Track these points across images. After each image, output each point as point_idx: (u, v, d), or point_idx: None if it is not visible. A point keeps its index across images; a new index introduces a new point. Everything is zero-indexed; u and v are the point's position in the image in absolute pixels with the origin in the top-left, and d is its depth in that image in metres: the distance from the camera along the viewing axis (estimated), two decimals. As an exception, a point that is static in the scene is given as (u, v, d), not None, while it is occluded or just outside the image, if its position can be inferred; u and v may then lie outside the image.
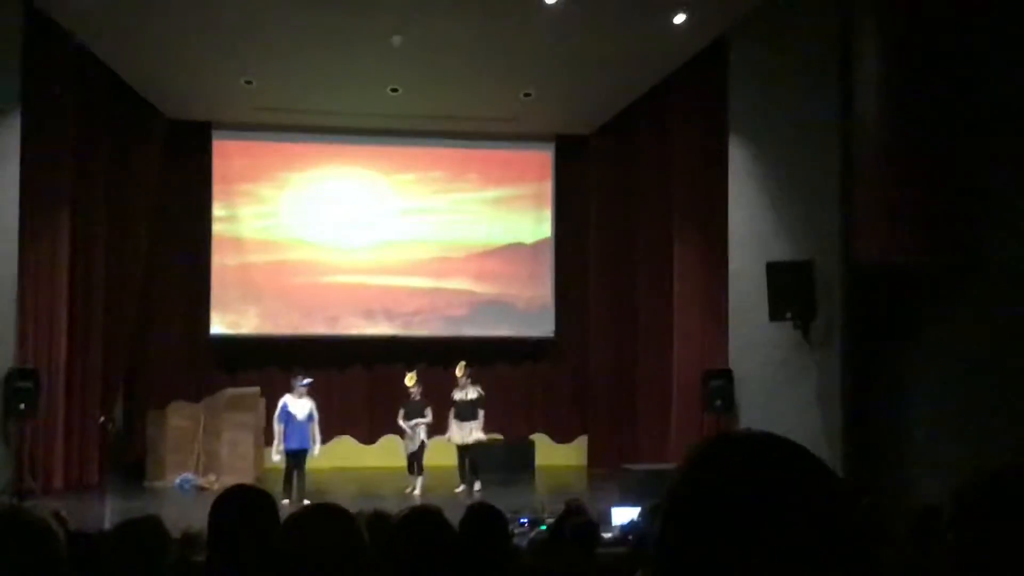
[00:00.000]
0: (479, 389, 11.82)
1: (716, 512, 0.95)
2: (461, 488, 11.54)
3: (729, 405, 10.56)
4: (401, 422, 11.71)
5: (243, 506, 2.63)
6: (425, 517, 2.70)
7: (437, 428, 12.17)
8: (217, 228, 14.29)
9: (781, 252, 9.73)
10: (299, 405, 11.05)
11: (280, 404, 11.12)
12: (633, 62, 11.51)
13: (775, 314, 9.57)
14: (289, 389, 11.29)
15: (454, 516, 3.08)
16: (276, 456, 11.12)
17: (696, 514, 0.97)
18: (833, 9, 9.12)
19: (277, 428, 11.04)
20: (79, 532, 4.85)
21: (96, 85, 11.81)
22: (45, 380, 10.66)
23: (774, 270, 9.59)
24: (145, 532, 3.35)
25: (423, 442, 11.61)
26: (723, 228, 10.85)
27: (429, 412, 11.64)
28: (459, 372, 11.91)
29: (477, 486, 11.45)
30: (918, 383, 8.86)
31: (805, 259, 9.40)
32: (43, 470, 10.91)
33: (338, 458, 13.71)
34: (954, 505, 1.69)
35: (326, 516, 2.04)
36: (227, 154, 14.33)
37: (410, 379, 11.88)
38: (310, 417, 11.08)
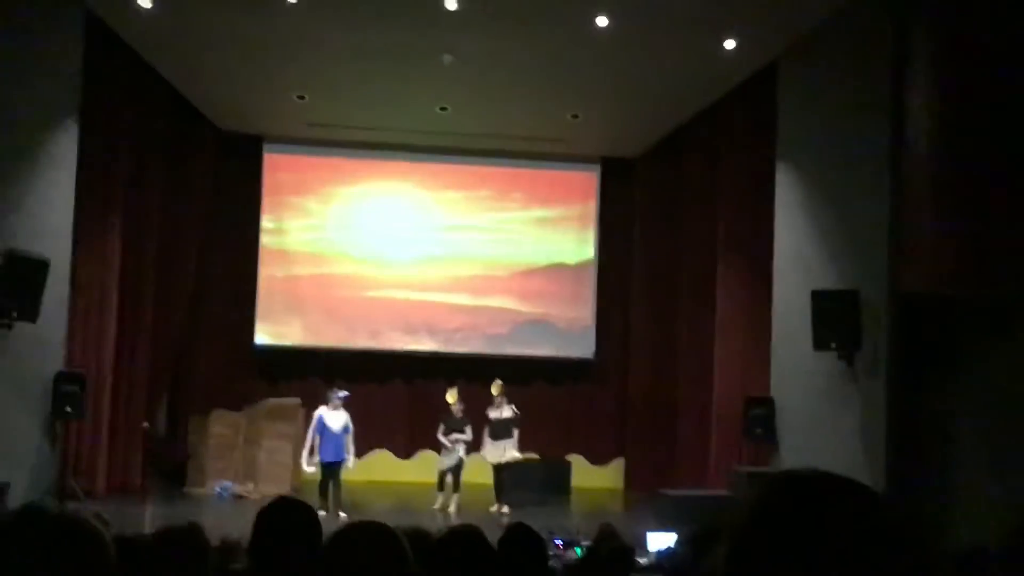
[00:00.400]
0: (514, 408, 11.81)
1: (784, 551, 0.95)
2: (496, 507, 11.52)
3: (770, 433, 10.46)
4: (441, 436, 11.73)
5: (288, 518, 2.66)
6: (467, 537, 2.70)
7: (474, 446, 12.19)
8: (265, 240, 14.48)
9: (827, 280, 9.64)
10: (334, 417, 11.12)
11: (316, 416, 11.20)
12: (681, 87, 11.51)
13: (819, 343, 9.47)
14: (326, 401, 11.37)
15: (488, 535, 3.09)
16: (309, 468, 11.16)
17: (764, 551, 0.97)
18: (885, 36, 9.05)
19: (310, 438, 11.09)
20: (120, 536, 4.92)
21: (152, 96, 12.05)
22: (92, 384, 10.83)
23: (819, 298, 9.50)
24: (185, 539, 3.40)
25: (461, 459, 11.61)
26: (768, 254, 10.77)
27: (468, 429, 11.67)
28: (495, 390, 11.92)
29: (505, 508, 11.40)
30: (964, 416, 8.71)
31: (851, 288, 9.30)
32: (87, 473, 11.07)
33: (375, 471, 13.78)
34: (1005, 547, 1.66)
35: (373, 533, 2.06)
36: (277, 167, 14.53)
37: (451, 396, 11.89)
38: (345, 429, 11.15)
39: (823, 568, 0.94)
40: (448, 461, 11.63)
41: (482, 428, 11.87)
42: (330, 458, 10.99)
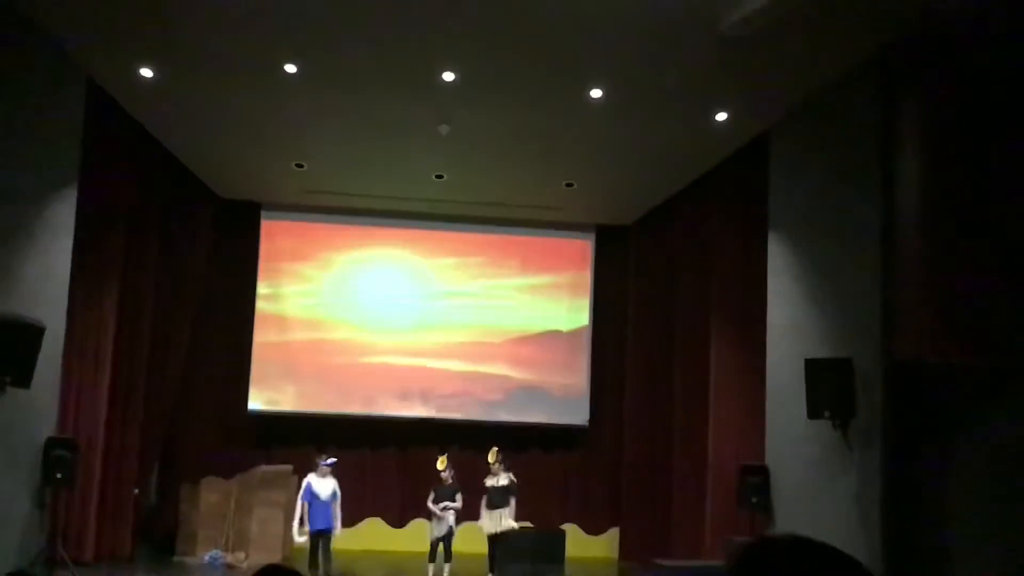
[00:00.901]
0: (511, 476, 11.72)
1: None
2: (489, 577, 11.39)
3: (765, 502, 10.38)
4: (431, 505, 11.62)
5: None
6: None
7: (468, 514, 12.07)
8: (261, 305, 14.51)
9: (820, 349, 9.67)
10: (323, 484, 11.02)
11: (304, 484, 11.07)
12: (674, 157, 11.68)
13: (813, 412, 9.47)
14: (314, 468, 11.26)
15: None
16: (300, 538, 11.00)
17: None
18: (874, 107, 9.22)
19: (299, 506, 10.96)
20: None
21: (151, 162, 12.18)
22: (83, 450, 10.75)
23: (813, 367, 9.51)
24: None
25: (451, 527, 11.49)
26: (762, 322, 10.81)
27: (459, 497, 11.55)
28: (491, 458, 11.84)
29: None
30: (960, 484, 8.68)
31: (844, 356, 9.32)
32: (75, 540, 10.93)
33: (367, 540, 13.63)
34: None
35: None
36: (274, 233, 14.63)
37: (441, 463, 11.82)
38: (333, 496, 11.03)
39: None
40: (438, 530, 11.50)
41: (478, 495, 11.77)
42: (319, 526, 10.86)
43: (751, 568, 1.02)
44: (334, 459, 11.34)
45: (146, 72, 9.83)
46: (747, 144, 11.14)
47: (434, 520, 11.57)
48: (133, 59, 9.70)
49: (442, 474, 11.67)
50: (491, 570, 11.48)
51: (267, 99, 10.36)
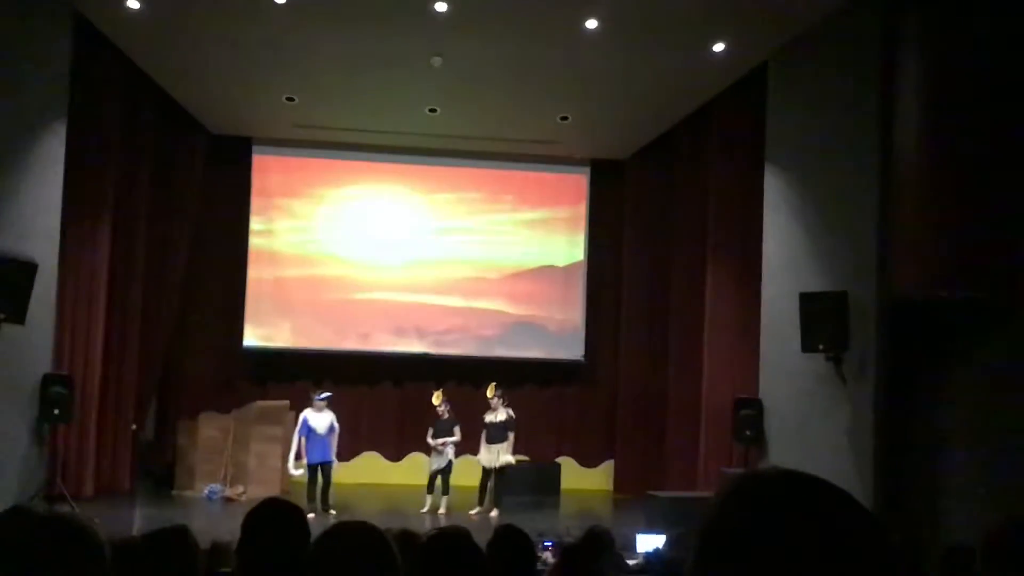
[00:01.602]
0: (509, 411, 11.81)
1: (748, 551, 0.96)
2: (476, 510, 11.50)
3: (758, 435, 10.48)
4: (429, 440, 11.74)
5: (275, 519, 2.66)
6: (454, 538, 2.71)
7: (466, 448, 12.20)
8: (254, 242, 14.45)
9: (815, 282, 9.68)
10: (319, 419, 11.18)
11: (301, 419, 11.25)
12: (671, 89, 11.55)
13: (807, 345, 9.50)
14: (310, 404, 11.39)
15: (477, 537, 3.09)
16: (296, 471, 11.16)
17: (728, 552, 0.98)
18: (874, 38, 9.10)
19: (296, 442, 11.12)
20: (110, 539, 4.90)
21: (141, 98, 12.03)
22: (80, 386, 10.80)
23: (807, 300, 9.53)
24: (174, 542, 3.39)
25: (450, 461, 11.63)
26: (757, 256, 10.80)
27: (457, 431, 11.67)
28: (490, 393, 11.92)
29: (494, 512, 11.38)
30: (952, 419, 8.75)
31: (839, 290, 9.33)
32: (74, 475, 11.03)
33: (364, 474, 13.76)
34: (986, 546, 1.68)
35: (359, 533, 2.06)
36: (266, 169, 14.51)
37: (437, 398, 11.92)
38: (331, 430, 11.22)
39: (785, 564, 0.95)
40: (437, 463, 11.64)
41: (476, 430, 11.88)
42: (317, 459, 11.06)
43: (736, 500, 1.00)
44: (328, 393, 11.53)
45: (132, 3, 9.64)
46: (745, 76, 11.01)
47: (433, 453, 11.71)
48: (119, -10, 9.52)
49: (438, 408, 11.77)
50: (480, 503, 11.60)
51: (256, 31, 10.18)
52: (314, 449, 11.07)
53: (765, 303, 10.61)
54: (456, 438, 11.64)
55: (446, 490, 11.60)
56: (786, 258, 10.30)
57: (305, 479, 11.12)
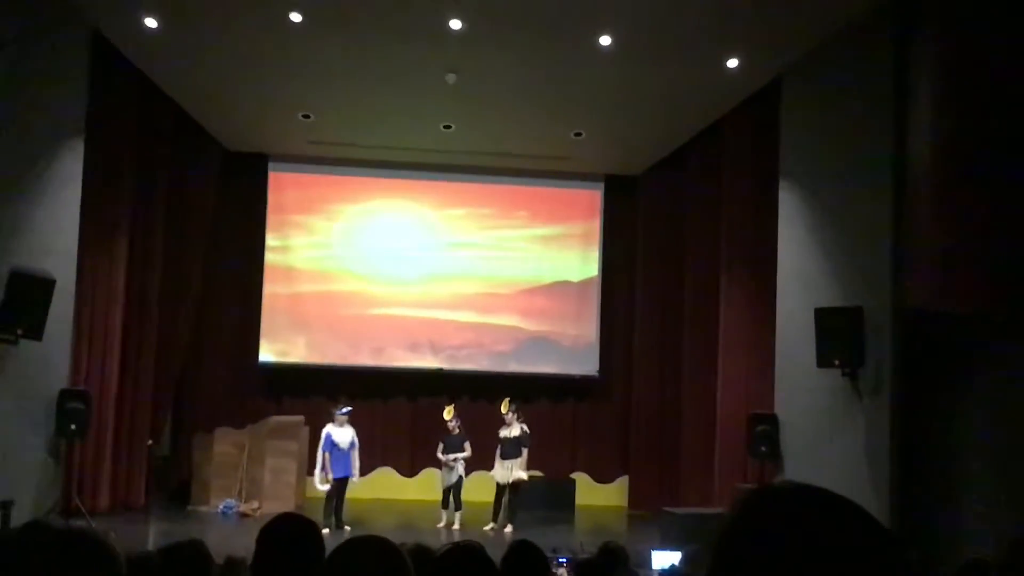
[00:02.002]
0: (524, 427, 11.80)
1: (762, 565, 0.96)
2: (491, 526, 11.49)
3: (774, 451, 10.43)
4: (440, 455, 11.76)
5: (290, 534, 2.66)
6: (467, 552, 2.71)
7: (481, 464, 12.20)
8: (270, 258, 14.51)
9: (830, 297, 9.65)
10: (341, 434, 11.30)
11: (324, 434, 11.37)
12: (685, 104, 11.56)
13: (823, 360, 9.47)
14: (333, 419, 11.49)
15: (491, 553, 3.09)
16: (322, 486, 11.24)
17: (742, 567, 0.98)
18: (887, 53, 9.09)
19: (321, 457, 11.24)
20: (125, 554, 4.92)
21: (157, 115, 12.12)
22: (96, 402, 10.85)
23: (822, 315, 9.50)
24: (189, 556, 3.40)
25: (460, 476, 11.63)
26: (772, 271, 10.78)
27: (467, 446, 11.69)
28: (504, 409, 11.92)
29: (508, 528, 11.36)
30: (969, 433, 8.69)
31: (854, 305, 9.30)
32: (90, 490, 11.07)
33: (379, 489, 13.76)
34: (1003, 560, 1.67)
35: (373, 548, 2.06)
36: (282, 185, 14.59)
37: (448, 413, 11.94)
38: (352, 445, 11.34)
39: None
40: (448, 479, 11.66)
41: (490, 446, 11.89)
42: (340, 474, 11.21)
43: (751, 515, 1.00)
44: (349, 408, 11.66)
45: (151, 22, 9.74)
46: (758, 91, 11.01)
47: (444, 469, 11.72)
48: (137, 8, 9.61)
49: (449, 424, 11.78)
50: (494, 519, 11.59)
51: (272, 49, 10.27)
52: (337, 464, 11.19)
53: (780, 318, 10.57)
54: (466, 453, 11.65)
55: (458, 505, 11.60)
56: (800, 273, 10.27)
57: (324, 494, 11.18)
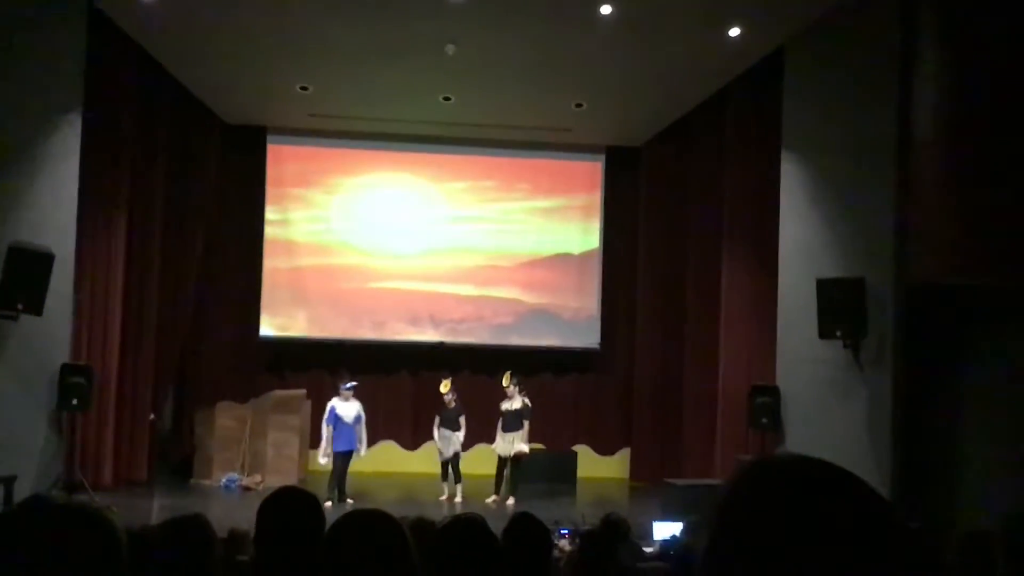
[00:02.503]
0: (525, 399, 11.81)
1: (760, 537, 0.96)
2: (492, 499, 11.53)
3: (775, 422, 10.46)
4: (436, 429, 11.81)
5: (291, 508, 2.66)
6: (469, 525, 2.71)
7: (482, 436, 12.23)
8: (269, 231, 14.47)
9: (832, 269, 9.63)
10: (346, 408, 11.33)
11: (328, 407, 11.41)
12: (686, 75, 11.48)
13: (824, 332, 9.47)
14: (335, 393, 11.52)
15: (493, 525, 3.09)
16: (323, 459, 11.29)
17: (740, 538, 0.97)
18: (893, 25, 9.02)
19: (325, 431, 11.29)
20: (127, 528, 4.93)
21: (156, 88, 12.05)
22: (98, 376, 10.87)
23: (824, 287, 9.49)
24: (192, 530, 3.41)
25: (457, 450, 11.67)
26: (774, 242, 10.76)
27: (463, 420, 11.72)
28: (505, 382, 11.93)
29: (510, 500, 11.41)
30: (971, 405, 8.71)
31: (857, 276, 9.28)
32: (93, 465, 11.11)
33: (381, 463, 13.80)
34: (1005, 532, 1.66)
35: (374, 521, 2.06)
36: (281, 158, 14.52)
37: (445, 386, 11.95)
38: (357, 419, 11.38)
39: (799, 549, 0.94)
40: (446, 452, 11.70)
41: (491, 419, 11.92)
42: (342, 448, 11.26)
43: (750, 485, 1.00)
44: (354, 383, 11.70)
45: (147, -6, 9.65)
46: (761, 61, 10.93)
47: (441, 442, 11.75)
48: (133, -20, 9.53)
49: (445, 397, 11.81)
50: (496, 492, 11.63)
51: (270, 20, 10.17)
52: (340, 438, 11.24)
53: (782, 289, 10.56)
54: (461, 431, 11.67)
55: (458, 478, 11.65)
56: (803, 244, 10.25)
57: (330, 467, 11.24)
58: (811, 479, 0.99)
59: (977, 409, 8.61)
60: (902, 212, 8.86)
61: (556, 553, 5.77)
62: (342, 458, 11.24)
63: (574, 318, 14.89)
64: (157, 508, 10.34)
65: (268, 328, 14.41)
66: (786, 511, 0.96)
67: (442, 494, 11.67)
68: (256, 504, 2.76)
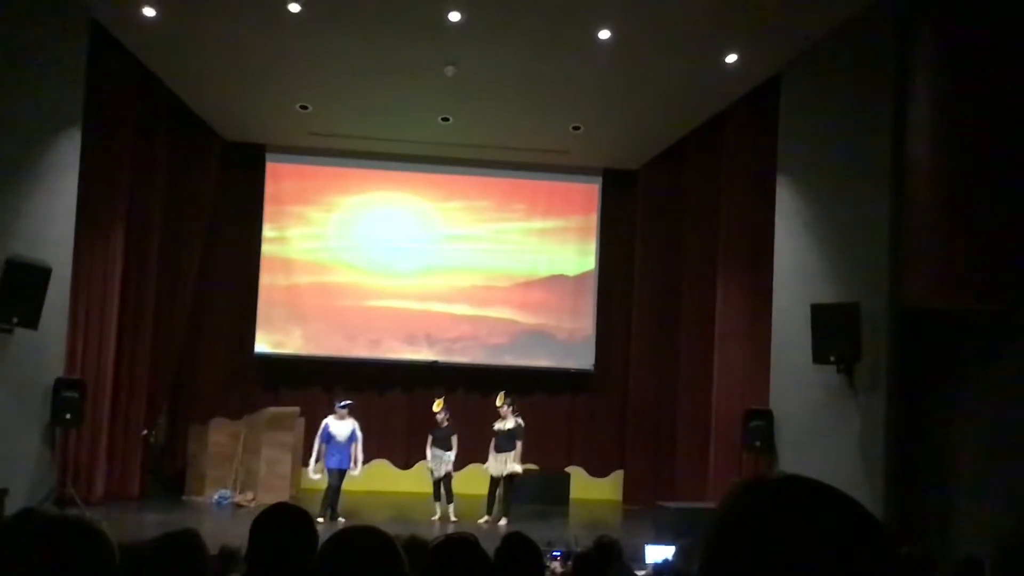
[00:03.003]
0: (518, 419, 11.78)
1: (754, 557, 0.96)
2: (485, 519, 11.49)
3: (769, 446, 10.45)
4: (428, 449, 11.79)
5: (284, 524, 2.66)
6: (461, 545, 2.71)
7: (475, 456, 12.20)
8: (266, 248, 14.49)
9: (827, 293, 9.65)
10: (340, 426, 11.34)
11: (322, 425, 11.46)
12: (683, 99, 11.55)
13: (819, 356, 9.48)
14: (330, 410, 11.54)
15: (486, 546, 3.08)
16: (314, 475, 11.29)
17: (734, 558, 0.98)
18: (888, 50, 9.09)
19: (317, 447, 11.30)
20: (119, 543, 4.92)
21: (155, 104, 12.09)
22: (91, 391, 10.84)
23: (819, 311, 9.50)
24: (183, 546, 3.40)
25: (448, 470, 11.63)
26: (769, 266, 10.79)
27: (455, 440, 11.68)
28: (499, 402, 11.90)
29: (503, 521, 11.37)
30: (963, 429, 8.71)
31: (851, 301, 9.30)
32: (85, 480, 11.07)
33: (374, 481, 13.74)
34: (997, 557, 1.67)
35: (366, 538, 2.06)
36: (279, 176, 14.55)
37: (437, 405, 11.93)
38: (352, 438, 11.39)
39: (790, 571, 0.94)
40: (437, 472, 11.66)
41: (485, 439, 11.89)
42: (333, 465, 11.33)
43: (742, 506, 1.00)
44: (349, 401, 11.76)
45: (148, 11, 9.71)
46: (757, 86, 11.00)
47: (433, 462, 11.71)
48: (135, -3, 9.58)
49: (438, 416, 11.78)
50: (488, 512, 11.59)
51: (270, 39, 10.24)
52: (331, 455, 11.27)
53: (776, 313, 10.58)
54: (452, 452, 11.62)
55: (450, 498, 11.61)
56: (798, 268, 10.28)
57: (323, 484, 11.25)
58: (802, 498, 0.99)
59: (970, 433, 8.61)
60: (897, 236, 8.90)
61: (548, 575, 5.75)
62: (335, 475, 11.24)
63: (569, 339, 14.89)
64: (149, 524, 10.30)
65: (263, 345, 14.39)
66: (777, 531, 0.96)
67: (435, 514, 11.63)
68: (248, 521, 2.76)
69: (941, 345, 8.86)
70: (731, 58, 10.26)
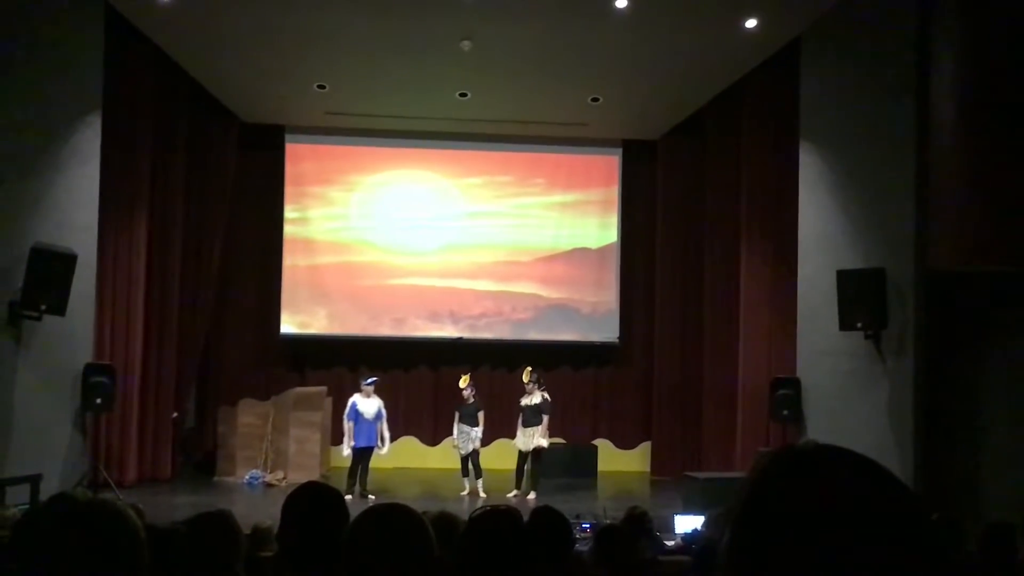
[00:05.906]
0: (544, 394, 11.79)
1: (785, 526, 0.95)
2: (513, 493, 11.54)
3: (796, 414, 10.42)
4: (455, 425, 11.83)
5: (315, 503, 2.68)
6: (501, 517, 2.69)
7: (503, 431, 12.23)
8: (288, 229, 14.54)
9: (852, 259, 9.58)
10: (367, 404, 11.38)
11: (349, 403, 11.47)
12: (702, 67, 11.43)
13: (845, 323, 9.42)
14: (357, 389, 11.58)
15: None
16: (347, 451, 11.39)
17: (765, 527, 0.97)
18: (910, 13, 8.96)
19: (346, 426, 11.37)
20: (152, 525, 4.98)
21: (174, 88, 12.11)
22: (121, 375, 10.95)
23: (845, 278, 9.44)
24: (217, 526, 3.44)
25: (475, 446, 11.66)
26: (793, 234, 10.71)
27: (481, 416, 11.71)
28: (526, 378, 11.92)
29: (531, 495, 11.42)
30: (993, 394, 8.65)
31: (877, 267, 9.23)
32: (117, 463, 11.21)
33: (401, 458, 13.84)
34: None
35: (396, 515, 2.07)
36: (299, 157, 14.57)
37: (464, 381, 11.94)
38: (378, 416, 11.40)
39: (821, 539, 0.94)
40: (464, 448, 11.70)
41: (511, 414, 11.93)
42: (362, 444, 11.31)
43: (773, 475, 0.99)
44: (375, 378, 11.77)
45: (164, -5, 9.71)
46: (778, 52, 10.88)
47: (460, 438, 11.76)
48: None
49: (464, 392, 11.80)
50: (517, 486, 11.64)
51: (284, 17, 10.21)
52: (360, 433, 11.31)
53: (801, 281, 10.52)
54: (479, 422, 11.65)
55: (478, 473, 11.65)
56: (822, 235, 10.20)
57: (348, 462, 11.31)
58: (833, 467, 0.99)
59: (1000, 396, 8.55)
60: (922, 200, 8.81)
61: (578, 547, 5.78)
62: (362, 453, 11.31)
63: (592, 312, 14.87)
64: (181, 505, 10.42)
65: (288, 326, 14.48)
66: (809, 501, 0.96)
67: (463, 489, 11.70)
68: (279, 500, 2.78)
69: (969, 309, 8.78)
70: (751, 23, 10.13)
